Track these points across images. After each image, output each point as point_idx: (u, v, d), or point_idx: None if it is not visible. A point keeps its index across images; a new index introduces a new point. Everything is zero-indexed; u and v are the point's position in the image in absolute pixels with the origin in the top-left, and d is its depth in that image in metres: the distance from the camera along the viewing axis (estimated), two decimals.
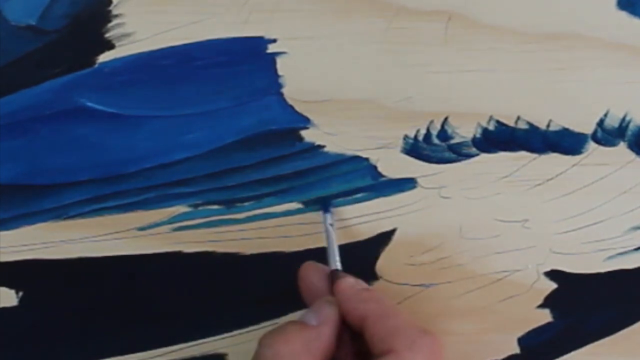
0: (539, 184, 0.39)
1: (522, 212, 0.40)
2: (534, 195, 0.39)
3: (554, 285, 0.41)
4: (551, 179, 0.39)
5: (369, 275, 0.40)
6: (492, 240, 0.40)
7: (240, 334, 0.41)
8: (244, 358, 0.40)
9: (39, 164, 0.38)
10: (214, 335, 0.41)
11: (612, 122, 0.39)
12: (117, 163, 0.38)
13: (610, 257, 0.40)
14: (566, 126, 0.39)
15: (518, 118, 0.39)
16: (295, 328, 0.34)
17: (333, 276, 0.37)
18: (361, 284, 0.36)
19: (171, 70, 0.38)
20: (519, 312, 0.41)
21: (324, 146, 0.39)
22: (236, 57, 0.38)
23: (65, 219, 0.39)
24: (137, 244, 0.39)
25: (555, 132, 0.39)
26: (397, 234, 0.40)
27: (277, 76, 0.38)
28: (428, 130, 0.39)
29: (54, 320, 0.40)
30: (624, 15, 0.38)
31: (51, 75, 0.37)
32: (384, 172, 0.39)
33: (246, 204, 0.39)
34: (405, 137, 0.39)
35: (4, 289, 0.39)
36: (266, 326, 0.40)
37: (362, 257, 0.40)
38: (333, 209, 0.39)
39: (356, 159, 0.39)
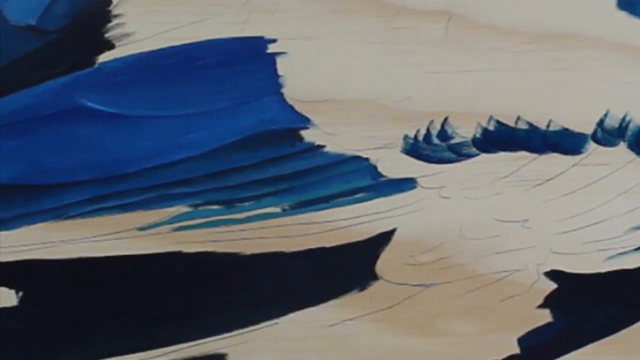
0: (539, 184, 0.39)
1: (522, 212, 0.40)
2: (534, 195, 0.39)
3: (554, 285, 0.41)
4: (551, 179, 0.39)
5: (369, 275, 0.40)
6: (492, 240, 0.40)
7: (240, 334, 0.40)
8: (244, 358, 0.40)
9: (39, 164, 0.38)
10: (214, 335, 0.41)
11: (612, 122, 0.39)
12: (117, 163, 0.38)
13: (610, 257, 0.40)
14: (566, 126, 0.39)
15: (518, 118, 0.39)
16: None
17: None
18: None
19: (171, 70, 0.38)
20: (519, 312, 0.41)
21: (324, 146, 0.39)
22: (236, 57, 0.38)
23: (65, 218, 0.39)
24: (137, 244, 0.39)
25: (555, 132, 0.39)
26: (397, 234, 0.40)
27: (277, 76, 0.38)
28: (428, 130, 0.39)
29: (54, 320, 0.40)
30: (624, 15, 0.38)
31: (51, 75, 0.37)
32: (384, 172, 0.39)
33: (246, 204, 0.39)
34: (405, 137, 0.39)
35: (4, 289, 0.39)
36: (266, 326, 0.40)
37: (362, 257, 0.40)
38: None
39: (356, 159, 0.39)
